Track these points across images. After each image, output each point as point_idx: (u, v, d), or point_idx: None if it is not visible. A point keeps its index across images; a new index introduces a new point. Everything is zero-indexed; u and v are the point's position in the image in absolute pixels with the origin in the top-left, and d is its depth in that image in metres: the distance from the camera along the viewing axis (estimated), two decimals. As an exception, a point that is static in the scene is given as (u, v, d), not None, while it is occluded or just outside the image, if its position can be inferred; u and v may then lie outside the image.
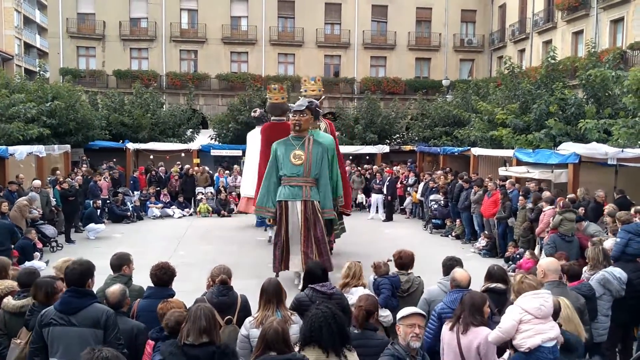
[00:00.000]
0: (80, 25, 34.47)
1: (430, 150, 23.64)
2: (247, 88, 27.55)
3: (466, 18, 37.47)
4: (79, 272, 4.32)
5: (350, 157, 24.16)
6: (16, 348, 4.60)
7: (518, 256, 11.78)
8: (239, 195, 18.20)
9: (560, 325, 4.41)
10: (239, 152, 22.37)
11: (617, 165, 11.63)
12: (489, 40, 37.03)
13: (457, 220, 15.72)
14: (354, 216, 15.91)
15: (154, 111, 24.84)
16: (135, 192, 19.95)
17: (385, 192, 19.04)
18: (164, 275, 5.21)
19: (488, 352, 4.28)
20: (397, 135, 27.64)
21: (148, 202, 19.44)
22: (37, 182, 14.04)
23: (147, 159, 22.70)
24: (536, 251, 11.33)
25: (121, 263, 5.67)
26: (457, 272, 5.21)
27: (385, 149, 25.18)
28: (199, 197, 20.39)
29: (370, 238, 14.87)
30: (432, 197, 17.28)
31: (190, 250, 13.46)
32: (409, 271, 6.39)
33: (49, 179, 16.39)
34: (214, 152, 23.73)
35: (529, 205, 12.04)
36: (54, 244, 13.47)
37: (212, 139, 26.32)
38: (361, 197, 21.03)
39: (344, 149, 21.10)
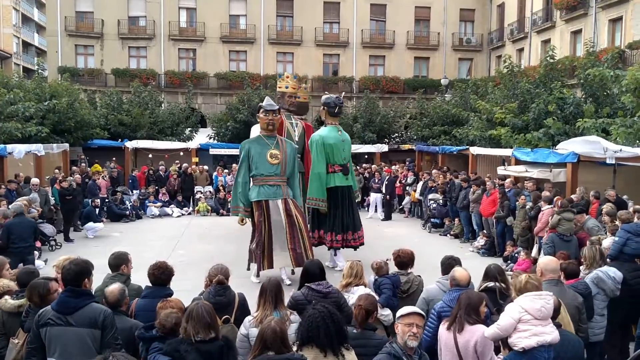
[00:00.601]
0: (78, 24, 34.40)
1: (429, 149, 23.66)
2: (246, 87, 27.53)
3: (465, 17, 37.46)
4: (75, 272, 4.31)
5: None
6: (14, 348, 4.59)
7: (516, 255, 11.80)
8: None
9: (559, 326, 4.42)
10: (237, 151, 22.31)
11: (616, 165, 11.63)
12: (488, 39, 37.04)
13: (456, 219, 15.74)
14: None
15: (152, 110, 24.83)
16: (134, 191, 19.96)
17: (384, 191, 19.06)
18: (161, 275, 5.22)
19: (485, 350, 4.28)
20: (396, 135, 27.65)
21: (147, 201, 19.44)
22: (35, 180, 14.03)
23: (146, 157, 22.70)
24: (534, 250, 11.36)
25: (119, 262, 5.67)
26: (457, 271, 5.22)
27: (384, 148, 25.18)
28: (197, 196, 20.39)
29: (369, 237, 14.83)
30: (430, 196, 17.30)
31: (189, 249, 13.47)
32: (409, 271, 6.40)
33: (47, 177, 16.39)
34: (212, 151, 23.72)
35: (529, 204, 12.07)
36: (52, 242, 13.46)
37: (210, 137, 26.31)
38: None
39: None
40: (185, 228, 16.63)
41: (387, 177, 19.39)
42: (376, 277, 6.16)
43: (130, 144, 22.38)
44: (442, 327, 4.54)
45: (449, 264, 5.78)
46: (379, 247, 12.00)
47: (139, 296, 5.25)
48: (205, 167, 21.70)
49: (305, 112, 13.82)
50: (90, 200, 16.30)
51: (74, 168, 19.09)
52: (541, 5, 30.94)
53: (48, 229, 13.46)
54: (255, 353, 3.78)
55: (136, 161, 23.12)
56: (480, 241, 13.91)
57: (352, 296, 5.40)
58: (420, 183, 18.73)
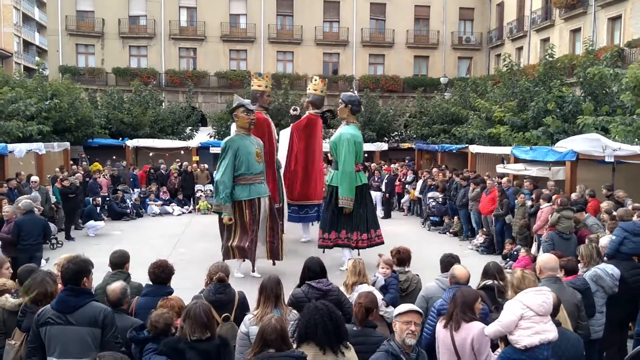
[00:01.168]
0: (79, 23, 34.43)
1: (428, 147, 23.68)
2: (246, 86, 27.50)
3: (464, 16, 37.47)
4: (74, 271, 4.32)
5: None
6: (11, 349, 4.58)
7: (515, 253, 11.84)
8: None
9: (559, 324, 4.45)
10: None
11: (615, 163, 11.65)
12: (487, 38, 37.04)
13: (455, 217, 15.78)
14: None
15: (153, 109, 24.86)
16: (135, 190, 20.00)
17: (383, 189, 19.09)
18: (162, 273, 5.24)
19: (481, 347, 4.30)
20: (396, 133, 27.67)
21: (148, 200, 19.47)
22: (35, 178, 14.07)
23: (147, 156, 22.75)
24: (534, 248, 11.39)
25: (124, 260, 5.71)
26: (457, 269, 5.24)
27: (384, 146, 25.22)
28: (198, 194, 20.42)
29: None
30: (430, 194, 17.32)
31: (190, 247, 13.49)
32: (407, 269, 6.44)
33: (48, 176, 16.42)
34: (213, 150, 23.73)
35: (528, 202, 12.10)
36: (53, 241, 13.49)
37: (211, 136, 26.34)
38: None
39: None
40: (185, 226, 16.66)
41: (387, 176, 19.41)
42: (379, 275, 6.18)
43: (131, 143, 22.42)
44: (439, 325, 4.56)
45: (448, 261, 5.80)
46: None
47: (139, 294, 5.27)
48: (206, 166, 21.74)
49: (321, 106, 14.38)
50: (91, 198, 16.32)
51: (74, 167, 19.12)
52: (540, 3, 30.95)
53: (46, 231, 13.44)
54: (256, 350, 3.78)
55: (137, 160, 23.16)
56: (480, 239, 13.94)
57: (356, 294, 5.42)
58: (420, 181, 18.77)
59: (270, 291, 4.81)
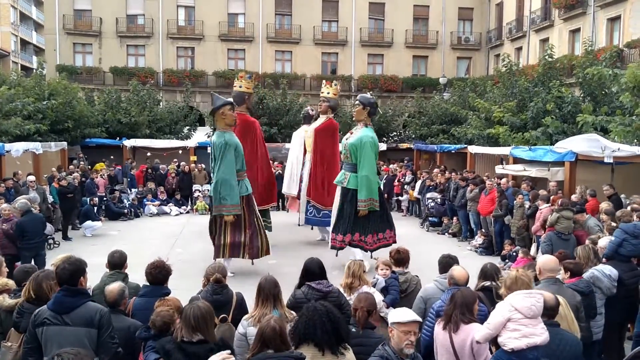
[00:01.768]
0: (76, 22, 34.35)
1: (427, 148, 23.66)
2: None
3: (463, 16, 37.46)
4: (70, 271, 4.29)
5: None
6: (8, 351, 4.55)
7: (514, 254, 11.80)
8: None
9: (557, 325, 4.41)
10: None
11: (613, 164, 11.64)
12: (486, 38, 37.04)
13: (454, 218, 15.75)
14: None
15: (150, 108, 24.79)
16: (133, 190, 19.94)
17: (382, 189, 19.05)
18: (159, 274, 5.20)
19: (480, 348, 4.29)
20: (394, 133, 27.63)
21: (145, 200, 19.42)
22: (31, 178, 14.02)
23: (144, 156, 22.70)
24: (533, 249, 11.37)
25: (123, 261, 5.68)
26: (456, 270, 5.22)
27: (382, 147, 25.13)
28: (196, 194, 20.38)
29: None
30: (428, 195, 17.31)
31: (188, 247, 13.45)
32: (406, 270, 6.41)
33: (45, 176, 16.38)
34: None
35: (527, 203, 12.08)
36: (50, 241, 13.42)
37: (208, 136, 26.26)
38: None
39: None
40: (183, 227, 16.62)
41: (386, 176, 19.40)
42: (379, 277, 6.15)
43: (129, 143, 22.36)
44: (438, 327, 4.53)
45: (446, 262, 5.78)
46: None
47: (137, 294, 5.24)
48: (203, 166, 21.67)
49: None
50: (88, 198, 16.26)
51: (71, 167, 19.06)
52: (540, 4, 30.93)
53: (46, 227, 13.41)
54: (254, 351, 3.76)
55: (134, 160, 23.09)
56: (479, 240, 13.92)
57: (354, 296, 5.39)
58: (419, 182, 18.75)
59: (269, 292, 4.78)
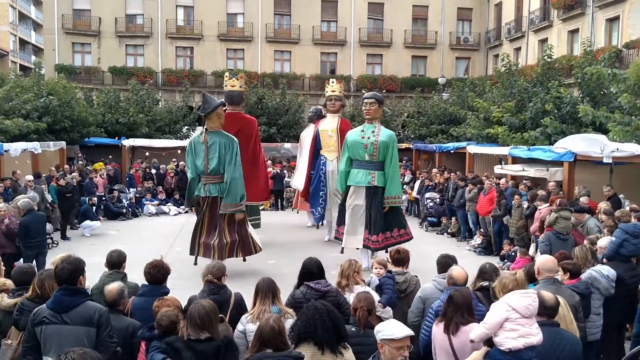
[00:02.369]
0: (75, 22, 34.33)
1: (426, 148, 23.65)
2: (242, 86, 27.36)
3: (462, 16, 37.47)
4: (70, 271, 4.30)
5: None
6: (8, 349, 4.57)
7: (513, 254, 11.80)
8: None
9: (557, 324, 4.42)
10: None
11: (612, 164, 11.64)
12: (485, 38, 37.06)
13: (453, 218, 15.76)
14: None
15: (149, 108, 24.77)
16: (131, 189, 19.93)
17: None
18: (157, 274, 5.21)
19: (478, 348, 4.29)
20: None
21: (144, 199, 19.41)
22: (29, 177, 14.03)
23: (144, 156, 22.69)
24: (531, 249, 11.37)
25: (122, 260, 5.68)
26: (455, 270, 5.22)
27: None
28: (194, 194, 20.33)
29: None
30: (427, 195, 17.31)
31: (186, 247, 13.37)
32: (406, 270, 6.41)
33: (43, 175, 16.34)
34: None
35: (525, 203, 12.08)
36: (49, 240, 13.40)
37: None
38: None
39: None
40: (182, 226, 16.55)
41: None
42: (374, 276, 6.16)
43: (127, 142, 22.34)
44: (436, 328, 4.52)
45: (445, 262, 5.77)
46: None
47: (136, 294, 5.24)
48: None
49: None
50: (87, 198, 16.25)
51: (67, 167, 19.02)
52: (538, 4, 30.96)
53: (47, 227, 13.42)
54: (254, 350, 3.79)
55: (133, 159, 23.09)
56: (477, 240, 13.92)
57: (355, 294, 5.39)
58: (418, 182, 18.75)
59: (267, 289, 4.82)
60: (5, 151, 14.64)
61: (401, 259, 6.37)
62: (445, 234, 15.88)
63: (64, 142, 19.62)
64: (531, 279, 5.52)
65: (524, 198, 12.33)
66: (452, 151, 20.66)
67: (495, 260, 11.25)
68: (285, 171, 20.94)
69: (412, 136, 26.51)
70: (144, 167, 21.52)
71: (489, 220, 13.59)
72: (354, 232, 10.92)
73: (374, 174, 10.79)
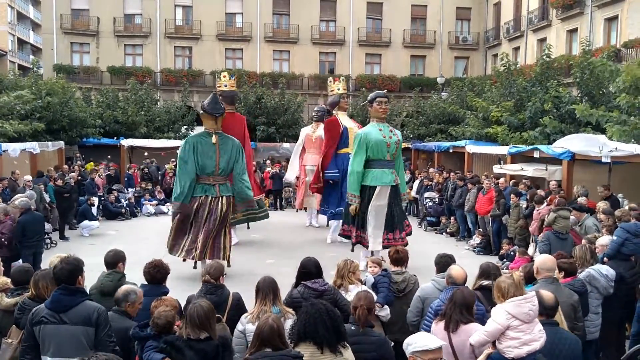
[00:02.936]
0: (74, 21, 34.29)
1: (425, 147, 23.65)
2: (242, 85, 27.46)
3: (461, 16, 37.47)
4: (69, 271, 4.31)
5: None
6: (8, 348, 4.57)
7: (512, 253, 11.81)
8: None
9: (557, 324, 4.40)
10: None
11: (611, 163, 11.65)
12: (484, 38, 37.07)
13: (452, 217, 15.76)
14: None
15: (148, 108, 24.75)
16: (130, 189, 19.90)
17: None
18: (157, 273, 5.21)
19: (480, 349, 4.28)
20: (392, 133, 27.56)
21: (142, 199, 19.37)
22: (28, 177, 14.02)
23: (142, 155, 22.66)
24: (531, 248, 11.37)
25: (117, 260, 5.64)
26: (454, 270, 5.21)
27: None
28: (193, 194, 20.29)
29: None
30: (426, 194, 17.32)
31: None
32: (404, 270, 6.40)
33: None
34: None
35: (523, 203, 12.08)
36: (47, 240, 13.39)
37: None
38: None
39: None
40: (181, 226, 16.55)
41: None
42: (370, 275, 6.16)
43: (126, 142, 22.32)
44: (436, 327, 4.52)
45: (443, 262, 5.76)
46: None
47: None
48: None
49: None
50: (85, 198, 16.23)
51: (65, 167, 19.00)
52: (537, 4, 30.97)
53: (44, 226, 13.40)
54: (253, 350, 3.80)
55: (132, 159, 23.06)
56: (476, 239, 13.92)
57: (350, 294, 5.39)
58: (417, 182, 18.75)
59: (268, 288, 4.82)
60: (4, 151, 14.62)
61: (400, 259, 6.36)
62: (444, 233, 15.89)
63: (62, 142, 19.61)
64: (530, 279, 5.52)
65: (523, 198, 12.33)
66: (450, 150, 20.65)
67: (494, 260, 11.23)
68: (284, 171, 20.90)
69: (411, 136, 26.49)
70: (142, 168, 21.53)
71: (488, 219, 13.59)
72: (379, 234, 10.75)
73: (394, 173, 10.92)
